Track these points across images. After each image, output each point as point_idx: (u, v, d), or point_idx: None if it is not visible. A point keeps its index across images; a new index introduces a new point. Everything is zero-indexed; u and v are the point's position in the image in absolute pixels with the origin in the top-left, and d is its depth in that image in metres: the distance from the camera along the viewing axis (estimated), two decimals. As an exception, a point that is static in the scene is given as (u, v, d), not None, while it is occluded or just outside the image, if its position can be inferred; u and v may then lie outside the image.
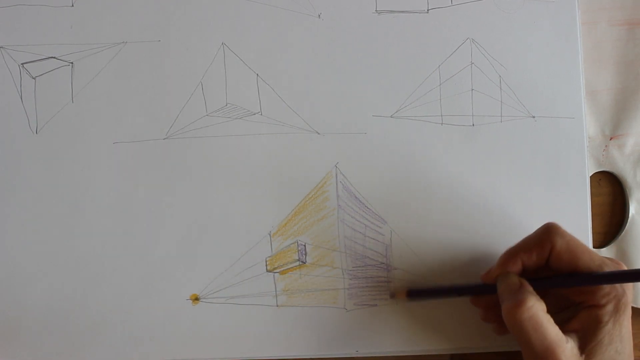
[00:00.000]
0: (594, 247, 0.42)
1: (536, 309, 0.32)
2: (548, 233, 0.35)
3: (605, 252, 0.44)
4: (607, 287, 0.33)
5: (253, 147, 0.41)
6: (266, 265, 0.41)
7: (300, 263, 0.41)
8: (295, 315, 0.41)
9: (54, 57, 0.41)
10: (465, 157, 0.42)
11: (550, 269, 0.35)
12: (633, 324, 0.45)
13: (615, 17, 0.44)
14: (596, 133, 0.44)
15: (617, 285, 0.34)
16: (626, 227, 0.44)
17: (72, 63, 0.41)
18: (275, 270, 0.41)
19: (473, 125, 0.42)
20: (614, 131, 0.44)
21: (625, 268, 0.34)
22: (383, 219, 0.41)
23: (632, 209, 0.44)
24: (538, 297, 0.33)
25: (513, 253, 0.36)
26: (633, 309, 0.44)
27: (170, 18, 0.42)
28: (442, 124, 0.42)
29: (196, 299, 0.41)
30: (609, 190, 0.45)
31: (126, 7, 0.42)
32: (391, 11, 0.42)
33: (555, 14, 0.42)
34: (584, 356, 0.33)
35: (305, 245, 0.41)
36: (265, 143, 0.41)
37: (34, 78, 0.41)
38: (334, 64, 0.42)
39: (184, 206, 0.41)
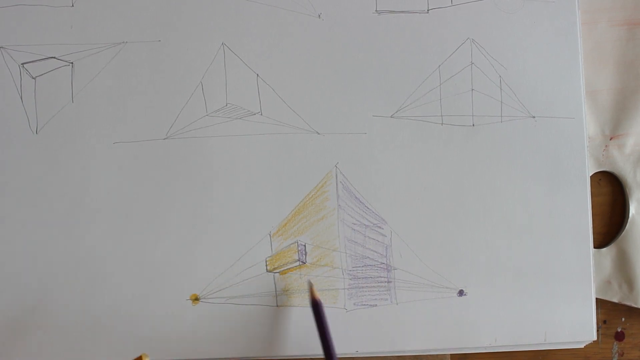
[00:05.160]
0: (594, 247, 0.42)
1: None
2: None
3: (606, 252, 0.44)
4: None
5: (253, 147, 0.41)
6: (266, 265, 0.41)
7: (300, 263, 0.41)
8: (295, 315, 0.41)
9: (54, 57, 0.41)
10: (465, 157, 0.42)
11: None
12: (633, 324, 0.45)
13: (615, 17, 0.44)
14: (596, 133, 0.44)
15: None
16: (626, 227, 0.44)
17: (72, 63, 0.41)
18: (275, 271, 0.41)
19: (473, 125, 0.42)
20: (614, 131, 0.44)
21: None
22: (383, 219, 0.41)
23: (632, 209, 0.44)
24: None
25: None
26: (633, 309, 0.44)
27: (170, 18, 0.42)
28: (442, 124, 0.42)
29: (196, 299, 0.41)
30: (609, 190, 0.45)
31: (126, 7, 0.42)
32: (391, 11, 0.42)
33: (555, 14, 0.42)
34: None
35: (305, 246, 0.41)
36: (265, 143, 0.41)
37: (34, 78, 0.41)
38: (334, 64, 0.42)
39: (183, 206, 0.41)
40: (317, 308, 0.39)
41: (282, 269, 0.41)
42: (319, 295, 0.39)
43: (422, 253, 0.41)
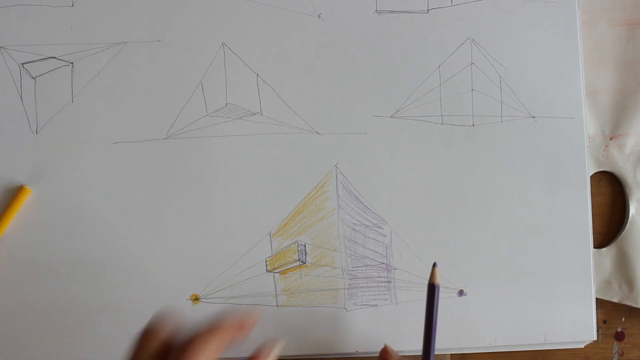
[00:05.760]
0: (594, 247, 0.42)
1: None
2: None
3: (606, 252, 0.44)
4: None
5: (253, 147, 0.41)
6: (266, 265, 0.41)
7: (300, 263, 0.41)
8: (295, 315, 0.41)
9: (54, 57, 0.41)
10: (465, 157, 0.42)
11: None
12: (633, 324, 0.45)
13: (615, 17, 0.44)
14: (596, 133, 0.44)
15: None
16: (626, 227, 0.44)
17: (72, 63, 0.41)
18: (275, 271, 0.41)
19: (473, 125, 0.42)
20: (614, 131, 0.44)
21: None
22: (383, 219, 0.41)
23: (632, 209, 0.44)
24: None
25: None
26: (633, 309, 0.44)
27: (170, 18, 0.42)
28: (442, 124, 0.42)
29: (196, 299, 0.41)
30: (609, 190, 0.45)
31: (126, 7, 0.42)
32: (391, 11, 0.42)
33: (555, 14, 0.42)
34: None
35: (305, 245, 0.41)
36: (265, 143, 0.41)
37: (34, 78, 0.41)
38: (334, 64, 0.42)
39: (183, 206, 0.41)
40: (432, 292, 0.37)
41: (282, 269, 0.41)
42: (438, 280, 0.37)
43: (422, 253, 0.41)
